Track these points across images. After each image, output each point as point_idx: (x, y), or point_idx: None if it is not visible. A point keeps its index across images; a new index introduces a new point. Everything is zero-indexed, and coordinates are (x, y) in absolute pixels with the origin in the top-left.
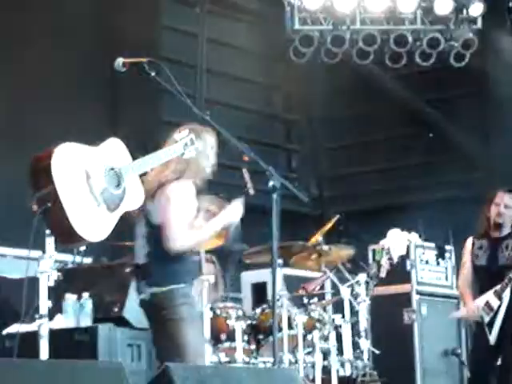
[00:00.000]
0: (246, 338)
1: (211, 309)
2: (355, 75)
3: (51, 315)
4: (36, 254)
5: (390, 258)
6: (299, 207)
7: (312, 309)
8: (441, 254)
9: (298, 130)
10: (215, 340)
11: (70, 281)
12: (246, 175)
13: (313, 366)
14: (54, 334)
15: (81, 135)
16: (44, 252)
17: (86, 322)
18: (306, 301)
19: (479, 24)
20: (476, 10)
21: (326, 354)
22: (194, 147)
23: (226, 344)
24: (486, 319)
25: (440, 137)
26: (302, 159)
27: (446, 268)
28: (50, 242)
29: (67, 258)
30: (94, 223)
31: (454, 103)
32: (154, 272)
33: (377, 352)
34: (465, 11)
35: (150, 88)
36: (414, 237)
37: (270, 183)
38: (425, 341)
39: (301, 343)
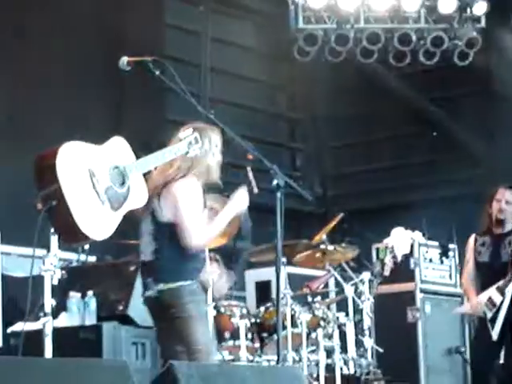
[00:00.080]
0: (250, 336)
1: (215, 307)
2: (359, 74)
3: (56, 313)
4: (40, 252)
5: (394, 257)
6: (303, 206)
7: (316, 307)
8: (444, 253)
9: (302, 128)
10: (219, 338)
11: (75, 279)
12: (250, 174)
13: (317, 364)
14: (58, 332)
15: (85, 134)
16: (48, 250)
17: (91, 320)
18: (310, 299)
19: (483, 23)
20: (480, 8)
21: (329, 352)
22: (199, 146)
23: (230, 342)
24: (489, 315)
25: (444, 135)
26: (306, 158)
27: (450, 266)
28: (54, 240)
29: (72, 256)
30: (98, 221)
31: (457, 102)
32: (161, 269)
33: (380, 350)
34: (468, 10)
35: (155, 87)
36: (418, 235)
37: (274, 182)
38: (428, 339)
39: (305, 341)
